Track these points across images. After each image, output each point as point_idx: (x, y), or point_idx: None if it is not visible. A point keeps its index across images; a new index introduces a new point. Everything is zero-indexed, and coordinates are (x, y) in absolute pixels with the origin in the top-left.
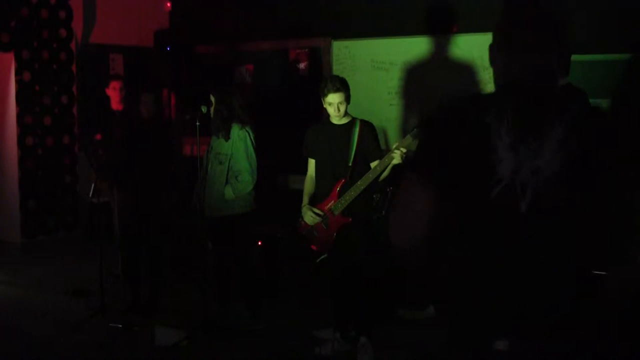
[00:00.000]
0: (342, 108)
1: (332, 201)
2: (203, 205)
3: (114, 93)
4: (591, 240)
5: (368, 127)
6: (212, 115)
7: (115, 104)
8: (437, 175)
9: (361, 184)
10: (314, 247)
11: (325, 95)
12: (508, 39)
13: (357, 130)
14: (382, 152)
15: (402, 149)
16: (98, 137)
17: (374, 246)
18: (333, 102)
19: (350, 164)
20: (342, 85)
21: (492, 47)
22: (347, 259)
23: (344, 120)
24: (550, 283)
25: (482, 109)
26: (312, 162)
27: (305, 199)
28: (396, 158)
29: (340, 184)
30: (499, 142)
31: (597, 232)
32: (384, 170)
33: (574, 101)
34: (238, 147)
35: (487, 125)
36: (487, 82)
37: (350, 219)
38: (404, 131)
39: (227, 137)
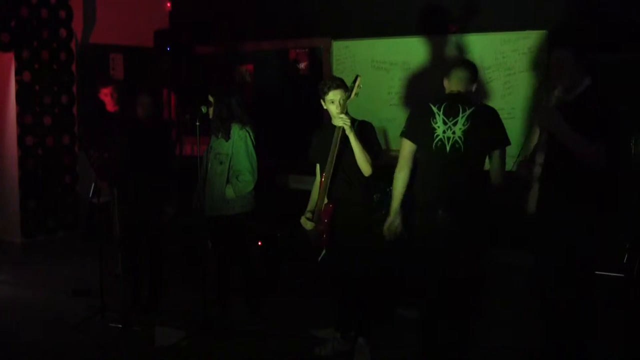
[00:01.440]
0: (344, 105)
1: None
2: (203, 205)
3: (106, 99)
4: (475, 164)
5: (364, 126)
6: (211, 116)
7: (110, 107)
8: (409, 135)
9: (329, 167)
10: (321, 247)
11: (326, 93)
12: (450, 74)
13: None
14: (379, 151)
15: (341, 115)
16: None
17: (372, 248)
18: (335, 99)
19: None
20: (342, 82)
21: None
22: (345, 258)
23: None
24: (461, 180)
25: (433, 103)
26: (318, 168)
27: (308, 207)
28: (341, 122)
29: (323, 180)
30: (438, 119)
31: (476, 161)
32: (338, 142)
33: (474, 104)
34: (238, 146)
35: (433, 111)
36: (486, 81)
37: (331, 205)
38: None
39: (227, 137)
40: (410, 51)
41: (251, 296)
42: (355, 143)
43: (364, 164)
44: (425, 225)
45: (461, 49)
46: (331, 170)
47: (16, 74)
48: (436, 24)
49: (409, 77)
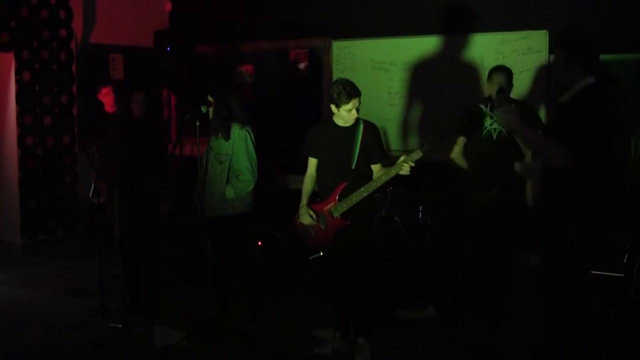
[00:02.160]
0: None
1: (332, 203)
2: (203, 206)
3: (106, 98)
4: (517, 150)
5: (371, 129)
6: (211, 116)
7: (109, 107)
8: (462, 132)
9: (364, 191)
10: (309, 245)
11: (346, 102)
12: (491, 78)
13: (360, 132)
14: (385, 154)
15: (410, 162)
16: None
17: (372, 248)
18: (353, 108)
19: (353, 167)
20: (358, 89)
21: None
22: (345, 261)
23: (357, 119)
24: (507, 162)
25: (481, 103)
26: (312, 161)
27: (304, 200)
28: (404, 170)
29: (341, 188)
30: (486, 114)
31: (519, 148)
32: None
33: (514, 102)
34: (238, 146)
35: (482, 109)
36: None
37: (349, 222)
38: (404, 131)
39: (227, 137)
40: (410, 51)
41: (251, 296)
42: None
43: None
44: (479, 201)
45: (461, 49)
46: (364, 195)
47: (16, 74)
48: (436, 24)
49: (409, 77)
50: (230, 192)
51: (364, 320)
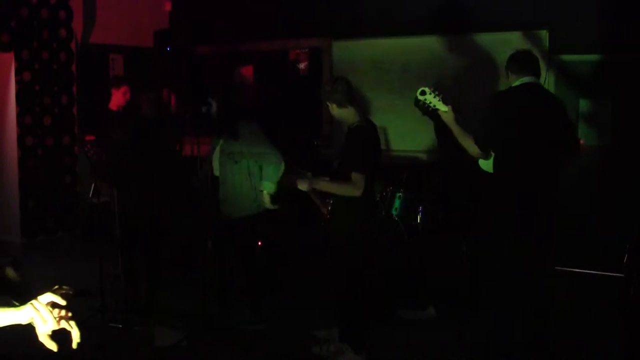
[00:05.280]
0: (333, 113)
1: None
2: (212, 207)
3: (122, 98)
4: None
5: (351, 135)
6: (214, 116)
7: (116, 105)
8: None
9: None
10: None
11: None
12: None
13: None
14: (354, 164)
15: (302, 182)
16: (88, 138)
17: (349, 256)
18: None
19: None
20: (324, 95)
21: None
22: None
23: (350, 124)
24: None
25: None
26: None
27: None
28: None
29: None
30: None
31: None
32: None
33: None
34: (252, 141)
35: None
36: (487, 82)
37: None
38: (404, 131)
39: (236, 137)
40: (410, 51)
41: (253, 296)
42: (326, 188)
43: (347, 194)
44: None
45: (461, 49)
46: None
47: (16, 74)
48: (436, 24)
49: (409, 77)
50: (268, 185)
51: (343, 324)
